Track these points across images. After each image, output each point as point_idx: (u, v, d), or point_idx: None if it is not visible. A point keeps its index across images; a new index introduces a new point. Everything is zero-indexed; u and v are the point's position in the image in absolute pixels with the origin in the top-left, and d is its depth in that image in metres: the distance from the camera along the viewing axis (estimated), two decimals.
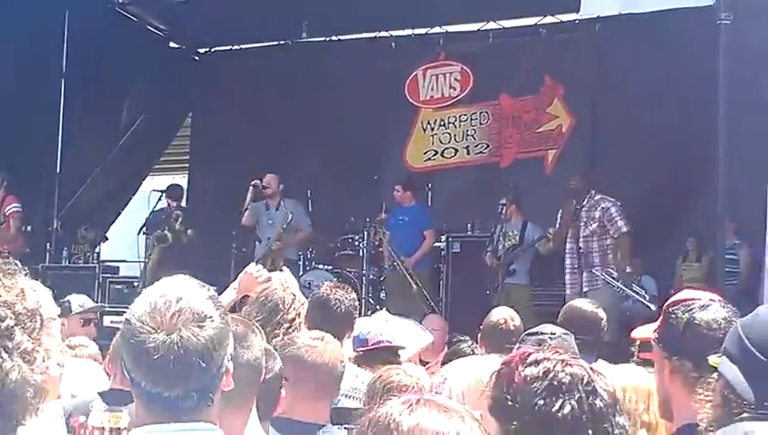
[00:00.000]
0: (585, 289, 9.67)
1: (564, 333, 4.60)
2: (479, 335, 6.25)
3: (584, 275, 9.80)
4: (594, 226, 9.87)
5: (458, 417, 1.70)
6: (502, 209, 10.70)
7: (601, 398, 2.04)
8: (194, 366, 2.11)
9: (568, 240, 9.98)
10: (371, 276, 11.74)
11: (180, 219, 12.02)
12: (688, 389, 2.82)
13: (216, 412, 2.21)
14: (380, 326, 5.41)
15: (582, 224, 9.88)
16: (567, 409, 1.99)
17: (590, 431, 1.98)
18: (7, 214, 11.46)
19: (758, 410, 2.16)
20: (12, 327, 1.70)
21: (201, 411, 2.17)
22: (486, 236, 11.20)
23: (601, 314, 5.92)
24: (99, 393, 4.67)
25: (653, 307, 10.94)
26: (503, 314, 6.18)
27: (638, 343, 4.70)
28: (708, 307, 3.12)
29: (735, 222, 9.87)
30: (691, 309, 3.11)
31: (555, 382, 2.03)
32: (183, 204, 12.77)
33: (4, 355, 1.66)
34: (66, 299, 7.07)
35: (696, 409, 2.46)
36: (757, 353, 2.25)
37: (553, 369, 2.05)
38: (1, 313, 1.71)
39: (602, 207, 9.90)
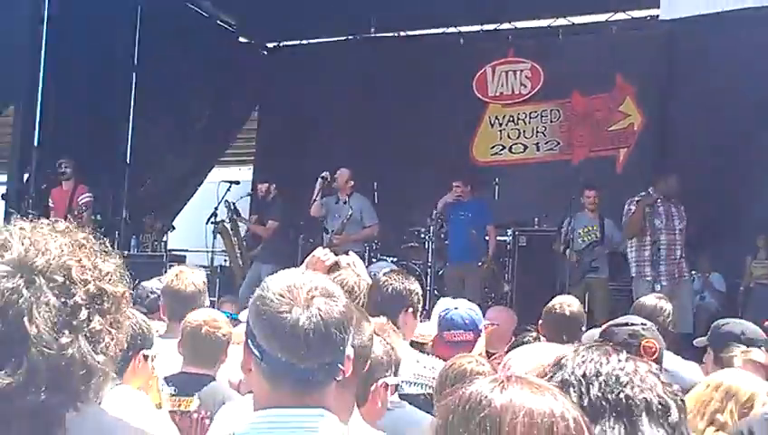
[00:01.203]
0: (664, 283, 9.78)
1: (652, 326, 4.55)
2: (541, 324, 6.28)
3: (671, 267, 9.95)
4: (684, 223, 10.11)
5: (551, 395, 1.65)
6: (582, 201, 10.75)
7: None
8: (331, 337, 2.20)
9: (650, 232, 9.98)
10: (437, 269, 11.71)
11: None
12: None
13: (332, 393, 2.27)
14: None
15: (676, 218, 10.08)
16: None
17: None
18: (80, 202, 11.60)
19: None
20: (79, 305, 1.71)
21: (327, 387, 2.25)
22: (553, 230, 11.14)
23: (667, 307, 5.90)
24: (164, 378, 4.73)
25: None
26: (559, 300, 6.24)
27: None
28: None
29: None
30: None
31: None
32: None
33: (65, 331, 1.68)
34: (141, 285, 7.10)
35: None
36: None
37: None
38: (72, 289, 1.72)
39: (682, 207, 10.15)
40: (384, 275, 5.09)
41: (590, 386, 1.98)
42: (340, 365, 2.23)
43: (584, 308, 10.13)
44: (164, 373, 4.76)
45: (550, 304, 6.28)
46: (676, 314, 6.18)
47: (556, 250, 10.93)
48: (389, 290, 4.88)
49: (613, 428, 1.93)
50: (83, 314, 1.71)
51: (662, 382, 2.01)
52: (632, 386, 1.97)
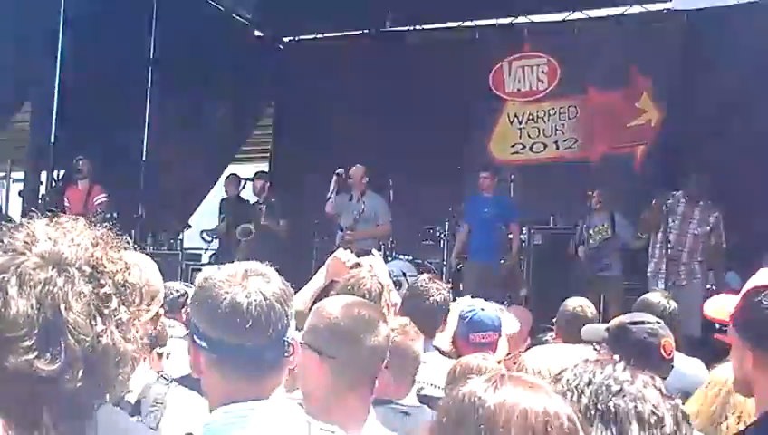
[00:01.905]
0: (684, 282, 9.91)
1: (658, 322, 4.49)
2: (555, 325, 6.26)
3: (681, 267, 10.05)
4: (707, 228, 10.19)
5: (545, 393, 1.65)
6: (590, 202, 10.70)
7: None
8: (273, 310, 2.23)
9: (668, 231, 9.98)
10: (457, 265, 11.65)
11: (266, 212, 11.99)
12: None
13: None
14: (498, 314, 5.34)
15: (696, 222, 10.17)
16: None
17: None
18: (96, 203, 11.65)
19: None
20: (110, 295, 1.74)
21: (280, 369, 2.27)
22: (569, 229, 11.09)
23: (673, 306, 5.84)
24: (174, 380, 4.72)
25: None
26: (573, 302, 6.20)
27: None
28: None
29: None
30: None
31: None
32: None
33: (98, 319, 1.69)
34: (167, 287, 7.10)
35: None
36: None
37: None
38: (102, 280, 1.73)
39: (716, 215, 10.25)
40: (425, 281, 5.08)
41: (582, 395, 1.96)
42: (288, 341, 2.25)
43: (600, 307, 10.21)
44: (176, 374, 4.76)
45: (564, 307, 6.28)
46: (682, 314, 6.10)
47: (570, 250, 10.90)
48: (436, 303, 4.89)
49: None
50: (114, 303, 1.75)
51: (662, 395, 1.98)
52: (623, 395, 1.94)
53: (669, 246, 9.92)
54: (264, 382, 2.23)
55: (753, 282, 2.89)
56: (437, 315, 4.92)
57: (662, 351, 4.11)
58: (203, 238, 12.91)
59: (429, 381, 4.38)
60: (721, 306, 3.29)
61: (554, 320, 6.38)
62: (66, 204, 11.73)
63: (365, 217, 11.37)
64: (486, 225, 11.23)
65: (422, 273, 10.25)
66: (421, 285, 5.07)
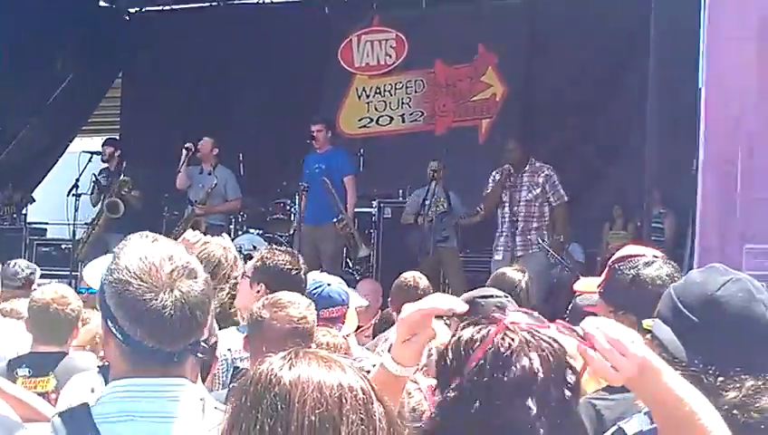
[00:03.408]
0: (519, 253, 9.76)
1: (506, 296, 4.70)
2: (389, 297, 6.46)
3: (518, 238, 9.87)
4: (537, 191, 9.92)
5: (339, 368, 1.71)
6: (433, 174, 10.71)
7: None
8: (195, 320, 2.18)
9: (505, 204, 10.02)
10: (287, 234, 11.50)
11: (128, 186, 11.65)
12: None
13: (191, 364, 2.28)
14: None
15: (525, 188, 9.94)
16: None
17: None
18: None
19: (689, 367, 2.26)
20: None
21: (186, 364, 2.24)
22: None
23: (525, 279, 6.08)
24: (11, 360, 4.65)
25: (578, 275, 11.19)
26: (411, 274, 6.52)
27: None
28: (652, 264, 3.26)
29: (661, 191, 10.06)
30: (636, 265, 3.23)
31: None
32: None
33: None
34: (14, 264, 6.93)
35: None
36: (689, 314, 2.36)
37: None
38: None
39: (545, 174, 9.97)
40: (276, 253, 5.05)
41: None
42: (202, 343, 2.24)
43: (441, 279, 10.41)
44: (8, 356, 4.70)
45: (399, 280, 6.49)
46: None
47: (405, 221, 10.95)
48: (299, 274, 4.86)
49: None
50: None
51: None
52: None
53: (506, 216, 9.92)
54: (169, 371, 2.20)
55: (616, 255, 3.37)
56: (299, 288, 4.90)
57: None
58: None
59: None
60: (589, 281, 3.84)
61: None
62: None
63: (217, 191, 11.29)
64: (317, 183, 10.69)
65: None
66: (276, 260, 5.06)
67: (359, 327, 6.58)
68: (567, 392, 1.98)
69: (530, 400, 1.93)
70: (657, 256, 3.36)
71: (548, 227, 10.05)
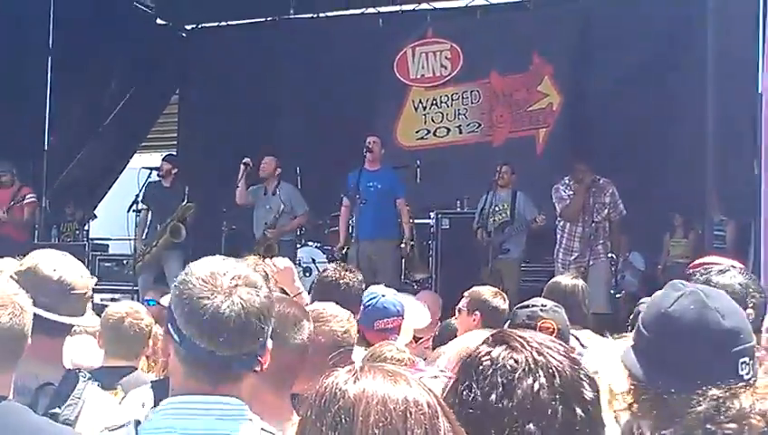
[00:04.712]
0: (590, 263, 9.87)
1: (555, 306, 4.63)
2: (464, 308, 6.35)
3: (585, 250, 9.99)
4: (605, 212, 10.11)
5: (404, 382, 1.69)
6: (492, 182, 10.70)
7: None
8: (251, 327, 2.21)
9: (579, 223, 10.05)
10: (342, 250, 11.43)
11: (192, 211, 11.34)
12: None
13: (248, 384, 2.29)
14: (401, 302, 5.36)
15: (595, 210, 10.06)
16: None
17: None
18: (25, 202, 11.69)
19: (651, 388, 2.25)
20: None
21: (243, 378, 2.27)
22: (474, 212, 11.13)
23: (581, 286, 5.99)
24: (90, 371, 4.71)
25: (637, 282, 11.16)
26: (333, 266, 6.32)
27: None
28: (726, 272, 3.20)
29: (723, 199, 9.93)
30: (709, 272, 3.19)
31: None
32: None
33: None
34: None
35: None
36: (645, 332, 2.33)
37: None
38: None
39: (611, 192, 10.13)
40: (336, 272, 5.09)
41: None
42: (258, 357, 2.25)
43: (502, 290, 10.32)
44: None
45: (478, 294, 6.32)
46: (591, 293, 6.24)
47: (476, 233, 10.98)
48: (350, 293, 4.88)
49: None
50: None
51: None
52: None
53: (590, 235, 9.97)
54: (223, 387, 2.23)
55: (695, 262, 3.49)
56: (351, 304, 4.93)
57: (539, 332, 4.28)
58: None
59: None
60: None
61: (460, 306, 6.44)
62: None
63: (284, 211, 11.25)
64: (372, 200, 10.57)
65: (330, 260, 10.30)
66: (331, 277, 5.10)
67: (418, 339, 6.57)
68: (579, 411, 1.91)
69: (530, 424, 1.87)
70: (734, 266, 3.31)
71: (608, 238, 10.15)
